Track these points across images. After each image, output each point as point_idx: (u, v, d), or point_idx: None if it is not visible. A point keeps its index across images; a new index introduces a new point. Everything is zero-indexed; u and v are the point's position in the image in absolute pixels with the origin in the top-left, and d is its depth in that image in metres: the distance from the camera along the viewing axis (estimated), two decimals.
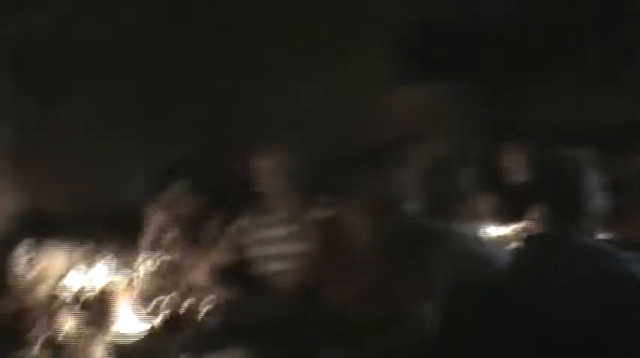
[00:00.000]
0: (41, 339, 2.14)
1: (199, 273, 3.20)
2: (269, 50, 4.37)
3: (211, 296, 2.89)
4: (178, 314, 2.32)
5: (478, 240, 2.76)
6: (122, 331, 2.27)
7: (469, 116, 4.78)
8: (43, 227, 3.64)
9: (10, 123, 3.94)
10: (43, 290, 2.88)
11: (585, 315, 2.22)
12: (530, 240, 2.68)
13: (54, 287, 2.87)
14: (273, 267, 3.20)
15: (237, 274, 3.29)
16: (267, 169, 3.25)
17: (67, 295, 2.61)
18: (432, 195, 2.89)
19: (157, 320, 2.28)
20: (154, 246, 3.31)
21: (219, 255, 3.39)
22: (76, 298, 2.56)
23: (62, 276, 2.79)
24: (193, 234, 3.64)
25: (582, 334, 2.19)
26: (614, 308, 2.19)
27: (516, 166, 3.95)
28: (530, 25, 4.62)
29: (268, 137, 3.45)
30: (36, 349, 2.17)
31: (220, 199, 3.72)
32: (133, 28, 4.08)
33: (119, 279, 2.56)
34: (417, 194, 3.70)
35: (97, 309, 2.56)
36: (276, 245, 3.26)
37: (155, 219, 3.56)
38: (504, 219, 3.36)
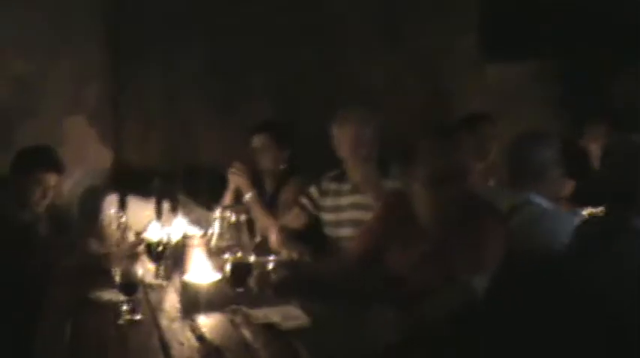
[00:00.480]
0: (121, 283, 2.28)
1: (271, 232, 3.34)
2: (357, 18, 4.38)
3: (280, 255, 3.06)
4: (246, 269, 2.41)
5: (546, 215, 2.82)
6: (193, 280, 2.41)
7: (557, 96, 4.72)
8: (130, 182, 3.86)
9: (101, 85, 4.07)
10: (126, 239, 3.10)
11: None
12: (592, 222, 2.72)
13: (137, 237, 3.08)
14: (343, 232, 3.32)
15: (308, 236, 3.43)
16: (345, 137, 3.32)
17: (147, 245, 2.79)
18: (512, 168, 2.97)
19: (226, 272, 2.39)
20: (232, 205, 3.47)
21: (293, 217, 3.53)
22: (155, 248, 2.73)
23: (144, 228, 2.98)
24: (270, 194, 3.80)
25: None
26: None
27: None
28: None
29: (349, 105, 3.51)
30: (116, 290, 2.33)
31: (297, 163, 3.83)
32: None
33: (194, 233, 2.71)
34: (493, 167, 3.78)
35: (172, 259, 2.75)
36: (347, 211, 3.37)
37: (234, 179, 3.72)
38: (584, 202, 3.36)
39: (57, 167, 3.37)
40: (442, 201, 2.57)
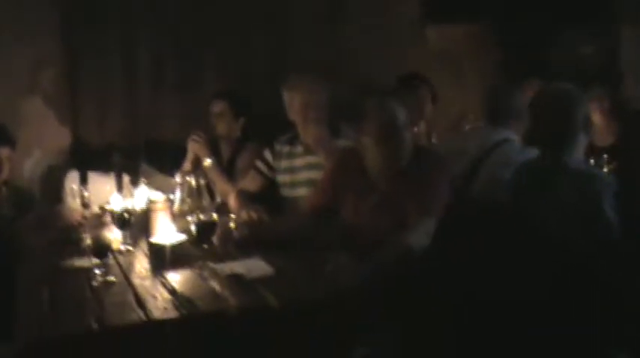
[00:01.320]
0: (92, 248, 2.40)
1: (230, 196, 3.49)
2: None
3: (240, 215, 3.22)
4: (210, 227, 2.56)
5: (522, 151, 3.05)
6: (160, 241, 2.55)
7: (496, 57, 4.87)
8: (90, 159, 3.94)
9: (58, 65, 4.12)
10: (91, 211, 3.21)
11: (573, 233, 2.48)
12: (528, 165, 2.93)
13: (101, 210, 3.19)
14: (298, 192, 3.45)
15: (264, 198, 3.58)
16: (295, 101, 3.46)
17: (112, 214, 2.91)
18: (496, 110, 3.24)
19: (191, 232, 2.53)
20: (192, 170, 3.60)
21: (249, 180, 3.67)
22: (120, 216, 2.85)
23: (106, 202, 3.08)
24: (227, 160, 3.94)
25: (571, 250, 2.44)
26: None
27: None
28: None
29: (300, 72, 3.66)
30: (87, 256, 2.45)
31: (255, 126, 3.96)
32: None
33: (158, 199, 2.83)
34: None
35: (138, 226, 2.88)
36: (301, 172, 3.51)
37: (193, 147, 3.84)
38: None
39: (7, 141, 3.47)
40: (390, 153, 2.76)
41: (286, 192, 3.57)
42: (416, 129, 3.88)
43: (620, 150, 3.55)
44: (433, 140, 4.07)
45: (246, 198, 3.46)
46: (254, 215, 3.21)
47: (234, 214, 3.08)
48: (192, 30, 4.29)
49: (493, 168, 3.05)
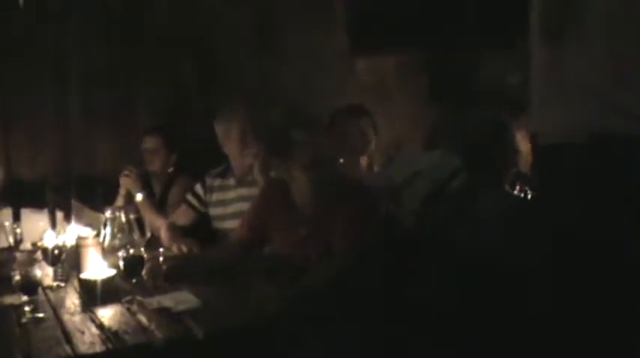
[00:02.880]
0: (21, 284, 2.44)
1: (162, 230, 3.55)
2: (233, 19, 4.56)
3: (170, 248, 3.28)
4: (139, 262, 2.61)
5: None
6: (89, 277, 2.60)
7: (424, 85, 5.00)
8: (22, 195, 3.95)
9: None
10: (23, 248, 3.23)
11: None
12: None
13: (33, 246, 3.21)
14: (230, 224, 3.50)
15: (196, 231, 3.65)
16: (226, 133, 3.54)
17: (43, 250, 2.94)
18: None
19: (120, 267, 2.58)
20: (121, 206, 3.65)
21: (180, 214, 3.73)
22: (51, 253, 2.89)
23: (40, 237, 3.11)
24: (159, 195, 4.01)
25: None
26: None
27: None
28: None
29: (230, 103, 3.75)
30: (16, 294, 2.49)
31: (186, 160, 4.03)
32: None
33: (87, 235, 2.88)
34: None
35: (68, 262, 2.91)
36: (233, 204, 3.58)
37: (125, 182, 3.89)
38: None
39: None
40: (318, 185, 2.88)
41: (218, 224, 3.63)
42: (364, 159, 3.98)
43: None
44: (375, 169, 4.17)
45: (177, 232, 3.52)
46: (184, 248, 3.27)
47: (165, 247, 3.14)
48: (121, 62, 4.33)
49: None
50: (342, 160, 3.16)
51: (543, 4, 2.24)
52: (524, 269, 2.57)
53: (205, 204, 3.66)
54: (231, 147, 3.56)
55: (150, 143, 3.94)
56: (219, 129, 3.57)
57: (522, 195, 3.14)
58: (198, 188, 3.69)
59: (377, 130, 4.30)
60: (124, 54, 4.33)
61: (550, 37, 2.21)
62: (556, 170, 2.21)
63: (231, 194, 3.61)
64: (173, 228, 3.55)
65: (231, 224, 3.49)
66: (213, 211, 3.64)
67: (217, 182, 3.66)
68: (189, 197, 3.70)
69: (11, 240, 3.29)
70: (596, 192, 2.05)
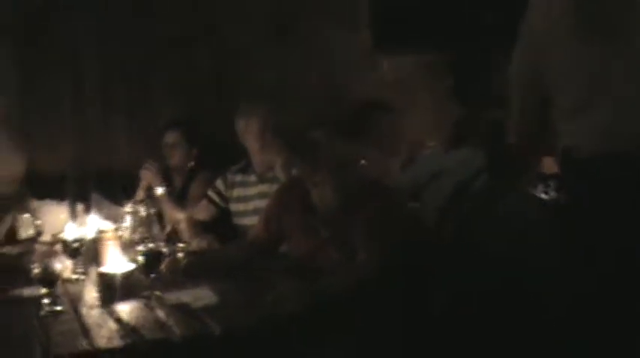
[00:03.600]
0: (40, 277, 2.44)
1: (181, 224, 3.53)
2: (256, 16, 4.52)
3: (190, 244, 3.27)
4: (157, 257, 2.60)
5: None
6: (109, 271, 2.59)
7: (449, 85, 4.96)
8: (43, 188, 3.95)
9: (9, 94, 4.13)
10: (43, 240, 3.24)
11: None
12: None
13: (53, 238, 3.21)
14: (251, 221, 3.47)
15: (216, 227, 3.64)
16: (246, 128, 3.53)
17: (63, 243, 2.94)
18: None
19: (139, 262, 2.57)
20: (142, 199, 3.64)
21: (200, 209, 3.73)
22: (71, 245, 2.89)
23: (60, 230, 3.11)
24: (179, 190, 4.00)
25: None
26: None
27: None
28: None
29: (251, 99, 3.74)
30: (36, 285, 2.49)
31: (207, 155, 4.01)
32: None
33: (108, 228, 2.88)
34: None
35: (88, 255, 2.91)
36: (254, 201, 3.58)
37: (146, 176, 3.89)
38: None
39: None
40: (343, 187, 2.82)
41: (239, 221, 3.62)
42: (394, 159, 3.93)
43: None
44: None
45: (198, 226, 3.51)
46: (204, 243, 3.26)
47: (185, 242, 3.13)
48: (141, 55, 4.32)
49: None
50: (364, 161, 3.11)
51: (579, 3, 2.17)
52: (545, 272, 2.54)
53: (226, 199, 3.65)
54: (251, 142, 3.54)
55: (170, 137, 3.94)
56: (239, 123, 3.55)
57: (545, 196, 3.11)
58: (219, 183, 3.68)
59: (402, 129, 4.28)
60: (144, 46, 4.30)
61: (588, 37, 2.14)
62: (596, 179, 2.14)
63: (252, 190, 3.59)
64: (193, 223, 3.54)
65: (252, 220, 3.47)
66: (234, 207, 3.63)
67: (238, 178, 3.64)
68: (210, 192, 3.69)
69: (31, 231, 3.28)
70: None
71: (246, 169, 3.64)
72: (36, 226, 3.29)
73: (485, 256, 2.74)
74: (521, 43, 2.40)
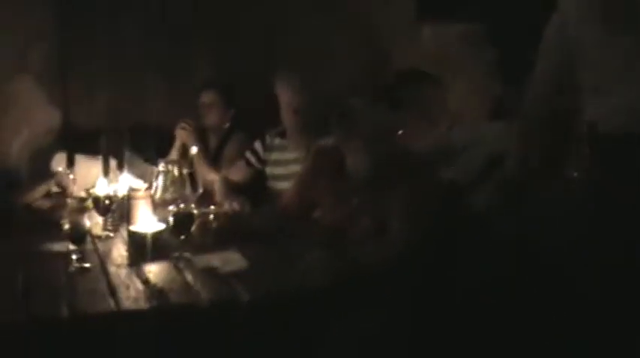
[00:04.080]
0: (70, 233, 2.42)
1: (215, 184, 3.50)
2: None
3: (222, 204, 3.23)
4: (188, 219, 2.56)
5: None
6: (139, 230, 2.56)
7: (489, 58, 4.86)
8: (77, 141, 3.95)
9: (47, 47, 4.11)
10: (76, 194, 3.22)
11: None
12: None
13: (85, 193, 3.20)
14: (287, 185, 3.41)
15: (251, 189, 3.59)
16: (285, 98, 3.45)
17: (94, 199, 2.92)
18: None
19: (170, 222, 2.54)
20: (174, 159, 3.61)
21: (236, 169, 3.68)
22: (102, 202, 2.87)
23: (92, 184, 3.10)
24: (214, 150, 3.96)
25: None
26: None
27: None
28: None
29: (288, 68, 3.69)
30: (65, 241, 2.47)
31: (244, 117, 3.97)
32: None
33: (140, 187, 2.85)
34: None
35: (118, 212, 2.89)
36: (291, 165, 3.51)
37: (181, 135, 3.86)
38: None
39: None
40: (377, 159, 2.76)
41: (274, 184, 3.57)
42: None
43: None
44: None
45: (231, 188, 3.47)
46: (236, 206, 3.21)
47: (217, 201, 3.10)
48: (181, 14, 4.26)
49: None
50: (401, 132, 3.04)
51: None
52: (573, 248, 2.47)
53: (263, 162, 3.60)
54: (286, 111, 3.48)
55: (207, 97, 3.89)
56: (277, 92, 3.48)
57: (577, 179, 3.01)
58: (258, 145, 3.63)
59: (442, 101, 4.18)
60: (186, 6, 4.23)
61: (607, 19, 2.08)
62: (618, 160, 2.09)
63: (288, 155, 3.54)
64: (227, 183, 3.51)
65: (287, 185, 3.41)
66: (270, 170, 3.59)
67: (277, 141, 3.59)
68: (248, 154, 3.64)
69: (63, 184, 3.26)
70: None
71: (285, 133, 3.58)
72: (69, 179, 3.25)
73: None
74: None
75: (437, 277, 2.49)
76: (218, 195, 3.39)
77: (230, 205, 3.22)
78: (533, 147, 2.72)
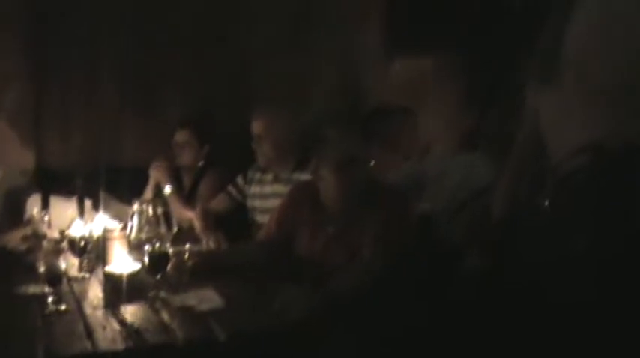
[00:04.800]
0: (46, 275, 2.42)
1: (195, 217, 3.53)
2: (270, 17, 4.48)
3: (197, 244, 3.25)
4: (164, 258, 2.57)
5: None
6: (115, 271, 2.58)
7: (461, 89, 4.93)
8: (52, 182, 3.95)
9: (21, 87, 4.11)
10: (50, 236, 3.23)
11: None
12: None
13: (61, 235, 3.20)
14: (262, 218, 3.49)
15: (230, 221, 3.62)
16: (260, 130, 3.51)
17: (70, 241, 2.93)
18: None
19: (145, 261, 2.55)
20: (149, 198, 3.63)
21: (217, 201, 3.71)
22: (77, 243, 2.88)
23: (68, 226, 3.10)
24: (188, 189, 3.98)
25: None
26: None
27: None
28: None
29: (263, 101, 3.74)
30: (41, 283, 2.47)
31: (217, 154, 4.00)
32: None
33: (115, 227, 2.86)
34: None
35: (94, 253, 2.90)
36: (270, 199, 3.53)
37: (155, 174, 3.88)
38: None
39: None
40: (348, 184, 2.81)
41: (254, 217, 3.62)
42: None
43: None
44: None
45: (211, 220, 3.55)
46: (212, 243, 3.24)
47: (197, 233, 3.13)
48: (153, 53, 4.29)
49: None
50: (373, 161, 3.09)
51: None
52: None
53: (244, 195, 3.65)
54: (267, 144, 3.53)
55: (180, 136, 3.92)
56: (256, 125, 3.53)
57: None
58: (239, 179, 3.71)
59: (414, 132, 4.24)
60: (157, 44, 4.27)
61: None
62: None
63: (268, 189, 3.60)
64: (207, 215, 3.55)
65: (265, 218, 3.42)
66: (251, 203, 3.65)
67: (257, 175, 3.66)
68: (230, 187, 3.72)
69: (38, 226, 3.27)
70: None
71: (264, 168, 3.63)
72: (44, 221, 3.26)
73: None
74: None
75: (407, 305, 2.52)
76: (197, 227, 3.45)
77: (207, 243, 3.24)
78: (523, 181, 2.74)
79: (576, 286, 2.02)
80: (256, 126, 3.52)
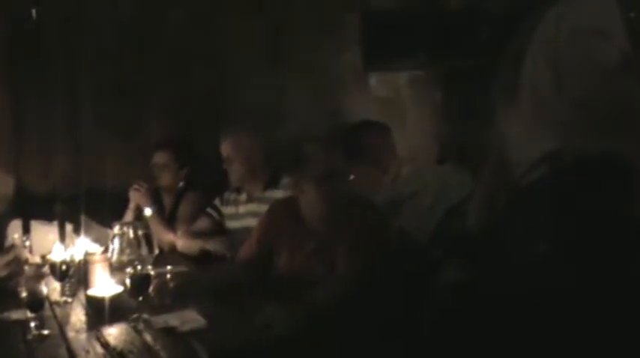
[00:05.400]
0: (28, 300, 2.43)
1: (178, 239, 3.56)
2: (247, 37, 4.56)
3: (178, 264, 3.27)
4: (145, 280, 2.59)
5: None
6: (97, 294, 2.59)
7: (438, 101, 5.00)
8: (33, 207, 3.95)
9: (0, 112, 4.14)
10: (31, 261, 3.23)
11: None
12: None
13: (42, 260, 3.21)
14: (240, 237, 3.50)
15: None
16: (229, 151, 3.56)
17: (51, 265, 2.93)
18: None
19: (127, 284, 2.56)
20: (129, 221, 3.64)
21: (199, 223, 3.73)
22: (59, 268, 2.88)
23: (49, 250, 3.10)
24: (169, 210, 4.00)
25: None
26: None
27: None
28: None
29: (237, 121, 3.78)
30: (23, 308, 2.48)
31: (197, 175, 4.03)
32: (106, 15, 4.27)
33: (96, 250, 2.88)
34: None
35: (76, 277, 2.91)
36: (245, 219, 3.59)
37: (135, 196, 3.90)
38: None
39: None
40: (329, 199, 2.85)
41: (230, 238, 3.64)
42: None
43: None
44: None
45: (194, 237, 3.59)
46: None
47: (173, 263, 3.14)
48: (133, 75, 4.33)
49: None
50: (352, 176, 3.13)
51: None
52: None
53: (222, 216, 3.70)
54: (237, 163, 3.58)
55: (160, 158, 3.94)
56: (226, 145, 3.58)
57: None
58: (217, 201, 3.76)
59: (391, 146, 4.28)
60: (136, 66, 4.30)
61: None
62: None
63: (242, 209, 3.64)
64: (189, 235, 3.59)
65: (242, 237, 3.46)
66: (228, 224, 3.68)
67: (232, 196, 3.71)
68: (210, 209, 3.75)
69: (19, 251, 3.27)
70: None
71: (240, 188, 3.65)
72: (24, 246, 3.26)
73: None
74: None
75: (385, 318, 2.55)
76: (181, 247, 3.62)
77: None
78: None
79: (540, 288, 2.07)
80: (224, 148, 3.57)
